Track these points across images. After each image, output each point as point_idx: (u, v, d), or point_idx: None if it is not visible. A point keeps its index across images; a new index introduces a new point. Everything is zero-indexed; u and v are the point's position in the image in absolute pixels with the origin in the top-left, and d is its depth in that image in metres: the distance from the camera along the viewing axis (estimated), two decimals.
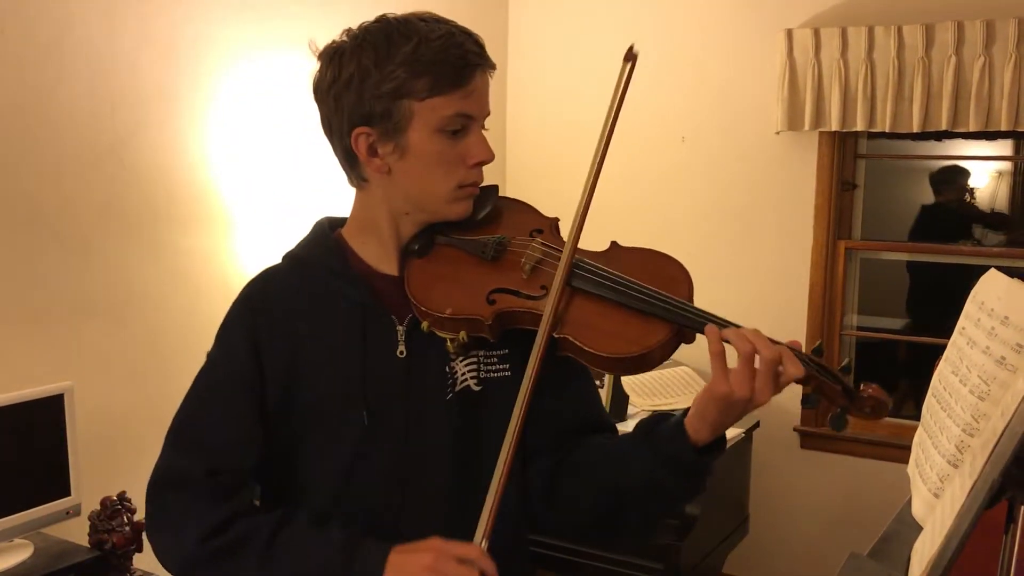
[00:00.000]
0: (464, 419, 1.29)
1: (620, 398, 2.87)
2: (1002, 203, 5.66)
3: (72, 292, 2.49)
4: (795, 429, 3.62)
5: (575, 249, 1.26)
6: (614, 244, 1.35)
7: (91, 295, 2.54)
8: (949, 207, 5.01)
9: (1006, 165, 5.52)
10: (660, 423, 1.26)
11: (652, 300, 1.23)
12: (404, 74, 1.21)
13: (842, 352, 3.61)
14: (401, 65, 1.21)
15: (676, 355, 2.84)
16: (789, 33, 3.36)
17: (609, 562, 2.70)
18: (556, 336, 1.24)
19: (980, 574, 1.15)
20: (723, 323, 1.21)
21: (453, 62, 1.21)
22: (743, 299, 3.66)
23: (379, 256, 1.33)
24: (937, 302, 4.89)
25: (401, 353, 1.29)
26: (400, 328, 1.30)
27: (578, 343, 1.22)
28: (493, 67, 1.28)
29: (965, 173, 5.10)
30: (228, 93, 2.84)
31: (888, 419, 3.69)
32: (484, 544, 1.15)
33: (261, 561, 1.20)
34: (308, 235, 1.38)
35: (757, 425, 3.14)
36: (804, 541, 3.66)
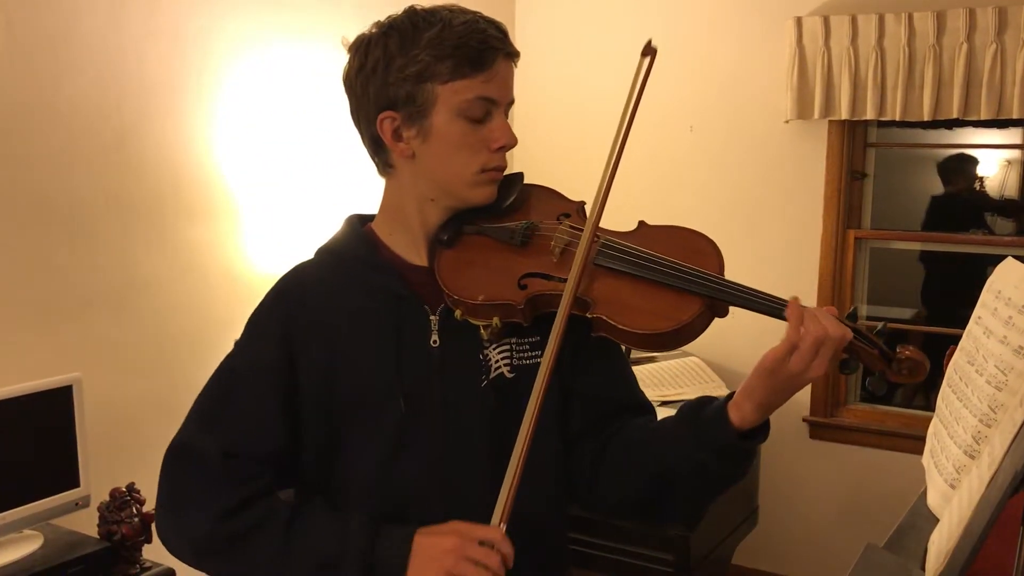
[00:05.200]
0: (498, 406, 1.29)
1: None
2: (1011, 191, 5.63)
3: (79, 283, 2.49)
4: (804, 419, 3.60)
5: (596, 227, 1.27)
6: (641, 223, 1.36)
7: (98, 286, 2.53)
8: (959, 196, 4.97)
9: (1015, 153, 5.48)
10: (704, 407, 1.26)
11: (681, 275, 1.24)
12: (428, 57, 1.23)
13: None
14: (425, 49, 1.23)
15: (686, 346, 2.80)
16: (798, 21, 3.33)
17: (620, 553, 2.69)
18: (590, 316, 1.24)
19: (994, 566, 1.14)
20: (766, 297, 1.22)
21: (475, 46, 1.24)
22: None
23: (408, 247, 1.34)
24: (951, 292, 4.87)
25: (435, 343, 1.30)
26: (433, 318, 1.30)
27: (611, 321, 1.23)
28: (516, 55, 1.30)
29: (973, 161, 5.06)
30: (234, 84, 2.83)
31: (898, 409, 3.69)
32: (503, 527, 1.16)
33: (279, 545, 1.20)
34: (340, 230, 1.39)
35: None
36: (813, 532, 3.66)
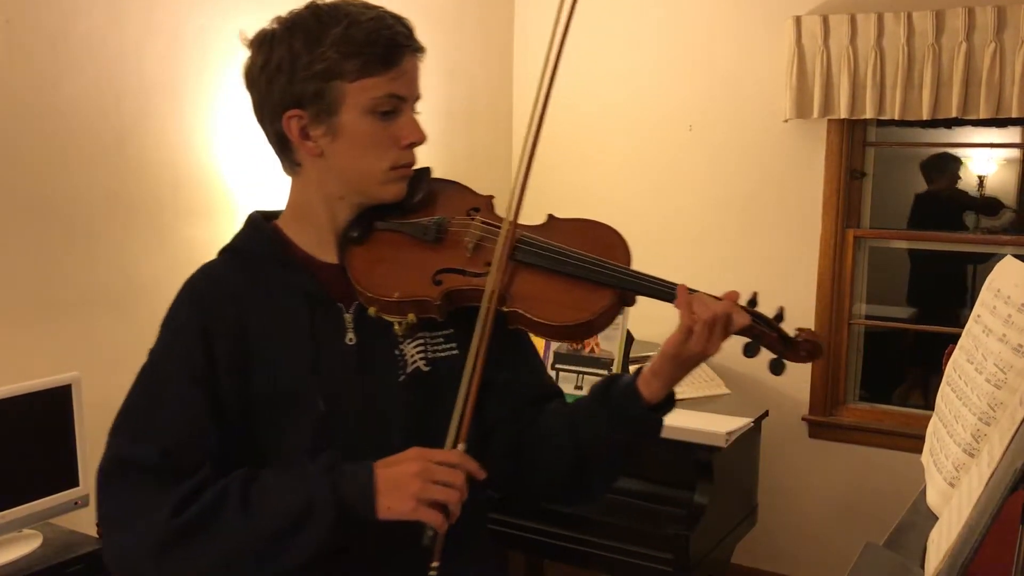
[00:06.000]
0: (418, 400, 1.30)
1: None
2: (1010, 190, 5.64)
3: (78, 283, 2.49)
4: (803, 419, 3.60)
5: (516, 223, 1.29)
6: (551, 217, 1.38)
7: (97, 286, 2.53)
8: (942, 195, 5.00)
9: (1012, 152, 5.49)
10: (613, 385, 1.31)
11: (594, 268, 1.28)
12: (335, 55, 1.22)
13: (851, 341, 3.60)
14: (332, 46, 1.22)
15: None
16: (798, 20, 3.33)
17: (620, 552, 2.69)
18: (506, 310, 1.27)
19: (994, 565, 1.14)
20: (668, 286, 1.26)
21: (383, 43, 1.23)
22: (751, 288, 3.64)
23: (317, 244, 1.34)
24: (936, 290, 4.89)
25: (350, 340, 1.30)
26: (347, 315, 1.30)
27: (528, 315, 1.26)
28: (422, 50, 1.30)
29: (956, 160, 5.08)
30: (233, 84, 2.81)
31: (896, 408, 3.69)
32: (461, 447, 1.19)
33: (241, 513, 1.16)
34: (243, 229, 1.38)
35: (766, 415, 3.12)
36: (813, 531, 3.66)
